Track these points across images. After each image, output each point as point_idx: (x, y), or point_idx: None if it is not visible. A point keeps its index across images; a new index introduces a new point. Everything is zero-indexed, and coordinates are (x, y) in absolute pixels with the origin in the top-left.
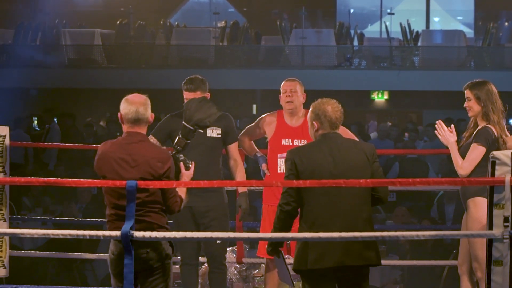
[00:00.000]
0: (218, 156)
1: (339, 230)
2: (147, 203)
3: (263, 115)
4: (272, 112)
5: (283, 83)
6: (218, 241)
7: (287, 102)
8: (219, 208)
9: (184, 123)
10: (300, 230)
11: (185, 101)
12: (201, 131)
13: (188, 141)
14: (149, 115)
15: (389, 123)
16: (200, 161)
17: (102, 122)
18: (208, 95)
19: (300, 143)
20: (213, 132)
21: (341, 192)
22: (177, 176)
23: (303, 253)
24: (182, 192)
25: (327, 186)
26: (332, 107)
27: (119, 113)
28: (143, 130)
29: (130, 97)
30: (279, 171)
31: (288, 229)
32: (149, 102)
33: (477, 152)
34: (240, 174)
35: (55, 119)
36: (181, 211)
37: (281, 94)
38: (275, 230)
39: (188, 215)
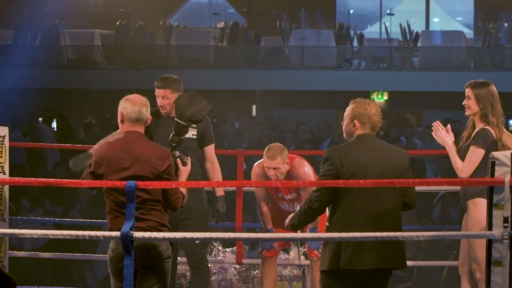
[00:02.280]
0: (194, 157)
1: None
2: (148, 201)
3: (254, 168)
4: (259, 163)
5: (264, 158)
6: (197, 241)
7: (274, 179)
8: (198, 207)
9: (177, 120)
10: (331, 231)
11: (157, 99)
12: (194, 125)
13: (182, 137)
14: (149, 115)
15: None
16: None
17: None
18: (177, 94)
19: (291, 196)
20: (189, 133)
21: (378, 195)
22: (175, 173)
23: (335, 254)
24: (182, 188)
25: (366, 189)
26: (375, 110)
27: (119, 112)
28: (141, 129)
29: (131, 97)
30: (283, 209)
31: (306, 225)
32: (148, 103)
33: (476, 154)
34: (216, 176)
35: (40, 119)
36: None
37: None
38: (298, 222)
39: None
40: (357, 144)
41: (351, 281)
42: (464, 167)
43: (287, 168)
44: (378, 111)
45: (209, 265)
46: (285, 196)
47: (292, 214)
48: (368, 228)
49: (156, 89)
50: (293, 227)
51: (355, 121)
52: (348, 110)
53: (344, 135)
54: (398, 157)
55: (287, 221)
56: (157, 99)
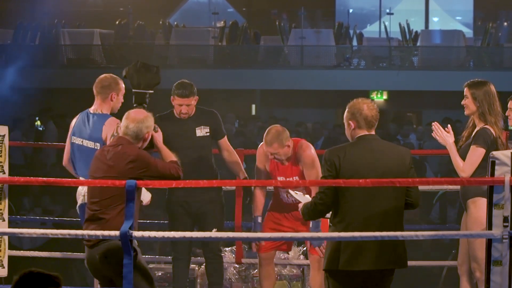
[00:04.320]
0: (209, 154)
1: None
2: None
3: (258, 148)
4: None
5: (264, 145)
6: (214, 229)
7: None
8: (215, 204)
9: (135, 90)
10: (332, 231)
11: (175, 107)
12: (151, 91)
13: (145, 105)
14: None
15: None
16: (192, 160)
17: None
18: (197, 98)
19: (293, 179)
20: (202, 131)
21: (378, 195)
22: (151, 143)
23: (335, 254)
24: (168, 155)
25: (366, 189)
26: (368, 106)
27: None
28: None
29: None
30: (283, 200)
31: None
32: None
33: (477, 154)
34: (235, 161)
35: (36, 118)
36: (176, 206)
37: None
38: (306, 217)
39: (183, 209)
40: (357, 144)
41: (352, 281)
42: (465, 167)
43: (287, 150)
44: (370, 106)
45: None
46: (288, 179)
47: (303, 203)
48: (369, 229)
49: (178, 98)
50: (303, 218)
51: (350, 122)
52: (344, 114)
53: (349, 140)
54: (400, 156)
55: (300, 208)
56: (178, 106)
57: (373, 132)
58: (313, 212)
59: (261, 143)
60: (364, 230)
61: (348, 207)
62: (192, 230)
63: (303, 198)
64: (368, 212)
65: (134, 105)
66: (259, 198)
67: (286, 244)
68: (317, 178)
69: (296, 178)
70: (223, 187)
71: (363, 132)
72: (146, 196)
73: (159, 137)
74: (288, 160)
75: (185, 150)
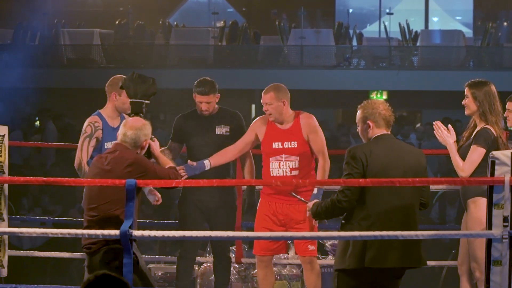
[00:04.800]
0: None
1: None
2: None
3: (256, 119)
4: (264, 116)
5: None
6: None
7: (268, 114)
8: (228, 205)
9: (132, 100)
10: (354, 229)
11: (197, 104)
12: (148, 101)
13: (142, 114)
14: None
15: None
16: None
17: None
18: (218, 95)
19: (291, 145)
20: (222, 130)
21: (401, 194)
22: (149, 152)
23: (361, 252)
24: (166, 162)
25: (391, 189)
26: (384, 106)
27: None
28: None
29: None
30: (272, 174)
31: (325, 219)
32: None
33: (477, 153)
34: (250, 169)
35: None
36: (189, 205)
37: None
38: (317, 215)
39: (196, 210)
40: (378, 143)
41: (371, 279)
42: (465, 166)
43: (281, 107)
44: (386, 106)
45: (209, 264)
46: (285, 143)
47: (314, 202)
48: (392, 227)
49: (199, 95)
50: (313, 216)
51: (368, 122)
52: (358, 115)
53: (363, 140)
54: (416, 157)
55: (309, 207)
56: (199, 103)
57: (389, 132)
58: (332, 209)
59: (259, 117)
60: (388, 228)
61: (373, 205)
62: (202, 229)
63: (314, 196)
64: (392, 210)
65: (132, 114)
66: (226, 152)
67: (283, 247)
68: (322, 145)
69: (294, 143)
70: (235, 189)
71: (382, 132)
72: (151, 197)
73: (156, 146)
74: (287, 124)
75: (203, 147)
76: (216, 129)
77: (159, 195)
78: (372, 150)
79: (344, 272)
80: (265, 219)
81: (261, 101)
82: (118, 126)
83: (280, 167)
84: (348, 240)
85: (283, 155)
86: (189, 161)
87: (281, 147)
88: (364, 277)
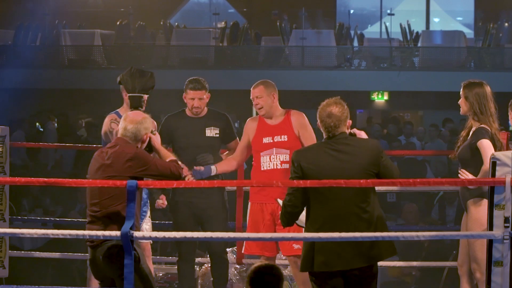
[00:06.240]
0: (216, 155)
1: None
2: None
3: (247, 120)
4: (255, 116)
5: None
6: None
7: (257, 109)
8: (219, 206)
9: (131, 95)
10: (307, 232)
11: (188, 102)
12: (147, 95)
13: (141, 109)
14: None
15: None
16: (199, 160)
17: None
18: (209, 95)
19: (281, 138)
20: (212, 132)
21: (346, 194)
22: (149, 145)
23: (309, 256)
24: (167, 155)
25: (334, 189)
26: (330, 108)
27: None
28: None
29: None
30: (262, 169)
31: (292, 224)
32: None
33: (487, 145)
34: (228, 160)
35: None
36: (180, 208)
37: None
38: (283, 223)
39: (187, 211)
40: (324, 144)
41: (332, 279)
42: (486, 163)
43: (270, 102)
44: (332, 111)
45: (210, 265)
46: (275, 137)
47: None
48: (340, 229)
49: (191, 91)
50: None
51: (320, 126)
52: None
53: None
54: (365, 152)
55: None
56: (190, 100)
57: (344, 130)
58: (283, 215)
59: (249, 119)
60: (336, 231)
61: (318, 209)
62: (196, 231)
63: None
64: (339, 212)
65: (131, 109)
66: (230, 161)
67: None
68: (312, 140)
69: (285, 137)
70: (225, 190)
71: (325, 135)
72: (159, 201)
73: (157, 139)
74: (277, 119)
75: (192, 149)
76: (206, 130)
77: (165, 203)
78: (313, 154)
79: (309, 274)
80: (256, 227)
81: (251, 96)
82: None
83: (271, 160)
84: (305, 243)
85: (274, 148)
86: (195, 166)
87: (272, 141)
88: (328, 280)
